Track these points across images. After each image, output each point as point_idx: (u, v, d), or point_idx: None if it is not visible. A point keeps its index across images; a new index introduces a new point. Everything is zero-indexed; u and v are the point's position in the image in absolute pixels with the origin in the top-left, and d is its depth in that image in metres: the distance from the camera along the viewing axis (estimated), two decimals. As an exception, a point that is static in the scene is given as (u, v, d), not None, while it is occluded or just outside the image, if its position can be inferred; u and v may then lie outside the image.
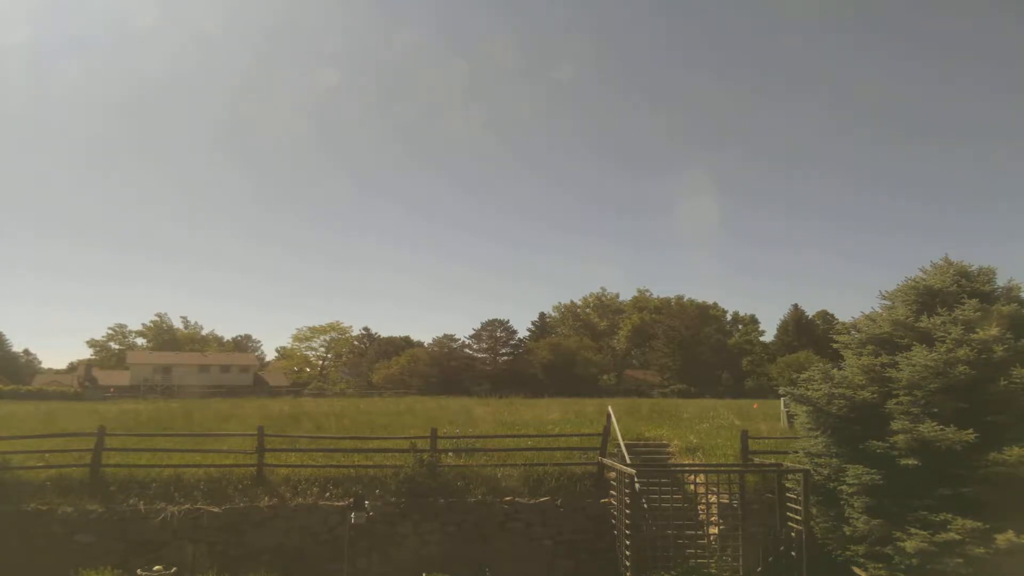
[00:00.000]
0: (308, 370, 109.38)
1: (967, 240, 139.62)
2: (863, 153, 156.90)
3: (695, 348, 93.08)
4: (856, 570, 12.66)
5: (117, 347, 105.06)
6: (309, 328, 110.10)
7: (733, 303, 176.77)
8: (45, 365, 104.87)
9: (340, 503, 15.04)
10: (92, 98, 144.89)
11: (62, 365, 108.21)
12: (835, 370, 14.37)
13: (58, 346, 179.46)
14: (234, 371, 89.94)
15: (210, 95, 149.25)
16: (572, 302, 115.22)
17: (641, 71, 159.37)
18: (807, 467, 13.59)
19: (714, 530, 15.02)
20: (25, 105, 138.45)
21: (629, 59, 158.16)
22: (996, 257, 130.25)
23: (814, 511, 13.40)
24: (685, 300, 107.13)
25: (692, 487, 15.92)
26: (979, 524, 10.98)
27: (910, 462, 11.89)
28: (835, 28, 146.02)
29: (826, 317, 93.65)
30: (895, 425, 12.40)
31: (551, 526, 15.69)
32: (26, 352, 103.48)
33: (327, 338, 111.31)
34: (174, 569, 13.19)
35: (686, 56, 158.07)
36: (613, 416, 17.99)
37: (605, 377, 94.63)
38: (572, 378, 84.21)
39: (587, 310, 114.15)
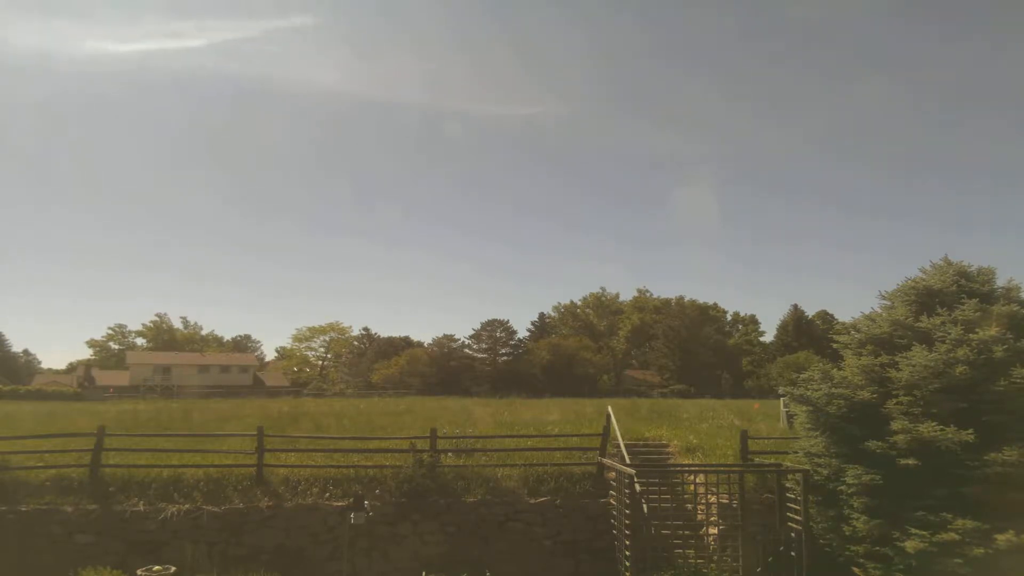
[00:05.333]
0: (308, 370, 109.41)
1: (970, 235, 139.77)
2: (865, 149, 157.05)
3: (695, 348, 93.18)
4: (856, 570, 12.66)
5: (117, 347, 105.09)
6: (309, 328, 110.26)
7: (733, 303, 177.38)
8: (44, 365, 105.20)
9: (340, 503, 15.04)
10: (92, 97, 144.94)
11: (61, 365, 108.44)
12: (835, 370, 14.38)
13: (58, 346, 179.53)
14: (234, 371, 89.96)
15: (211, 95, 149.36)
16: (572, 302, 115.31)
17: (639, 72, 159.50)
18: (807, 467, 13.59)
19: (714, 530, 15.02)
20: (24, 101, 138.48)
21: (627, 58, 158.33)
22: (1003, 251, 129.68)
23: (813, 511, 13.39)
24: (685, 300, 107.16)
25: (692, 487, 15.91)
26: (979, 524, 10.98)
27: (910, 462, 11.88)
28: (833, 22, 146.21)
29: (825, 317, 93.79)
30: (895, 425, 12.40)
31: (551, 526, 15.69)
32: (25, 352, 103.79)
33: (327, 338, 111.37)
34: (174, 569, 13.17)
35: (687, 56, 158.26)
36: (613, 416, 18.00)
37: (605, 377, 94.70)
38: (571, 378, 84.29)
39: (587, 310, 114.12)
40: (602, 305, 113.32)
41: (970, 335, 12.18)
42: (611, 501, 15.59)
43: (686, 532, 15.19)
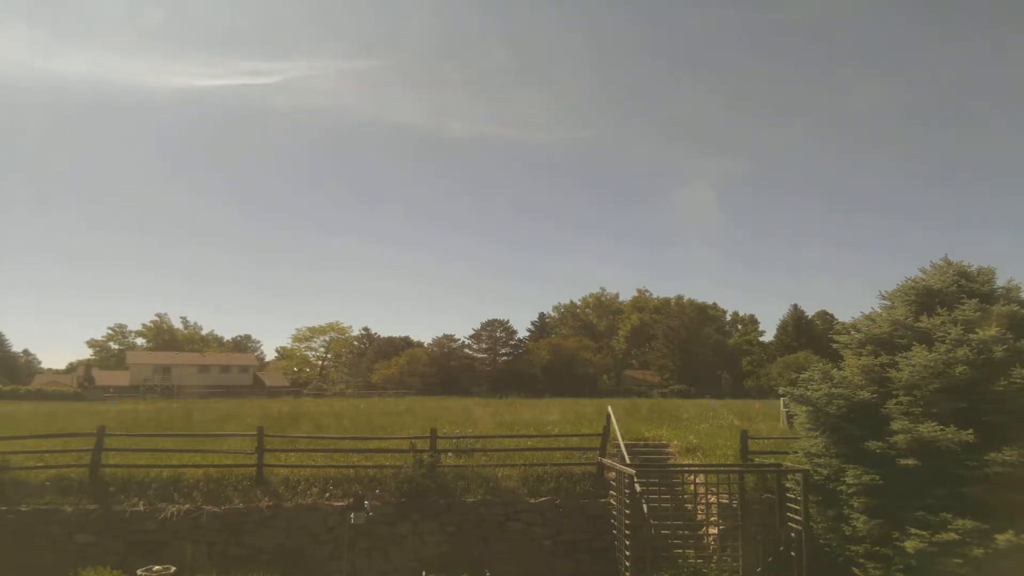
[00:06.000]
0: (308, 370, 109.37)
1: (970, 235, 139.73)
2: (865, 148, 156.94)
3: (695, 348, 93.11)
4: (856, 571, 12.65)
5: (117, 347, 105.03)
6: (309, 328, 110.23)
7: (733, 303, 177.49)
8: (44, 365, 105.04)
9: (340, 503, 15.03)
10: (94, 98, 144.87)
11: (61, 365, 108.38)
12: (835, 370, 14.36)
13: (58, 346, 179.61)
14: (234, 371, 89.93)
15: (211, 96, 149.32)
16: (572, 302, 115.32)
17: (639, 73, 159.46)
18: (807, 467, 13.58)
19: (713, 530, 15.01)
20: (25, 102, 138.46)
21: (626, 59, 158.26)
22: (1003, 250, 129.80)
23: (813, 511, 13.38)
24: (684, 300, 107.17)
25: (692, 487, 15.91)
26: (979, 524, 10.96)
27: (909, 462, 11.87)
28: (833, 22, 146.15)
29: (825, 317, 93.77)
30: (895, 425, 12.39)
31: (551, 526, 15.68)
32: (26, 352, 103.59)
33: (327, 338, 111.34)
34: (174, 569, 13.17)
35: (687, 56, 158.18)
36: (613, 416, 17.98)
37: (604, 377, 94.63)
38: (571, 378, 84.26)
39: (586, 310, 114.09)
40: (602, 305, 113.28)
41: (970, 335, 12.17)
42: (611, 501, 15.58)
43: (686, 532, 15.18)
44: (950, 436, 11.53)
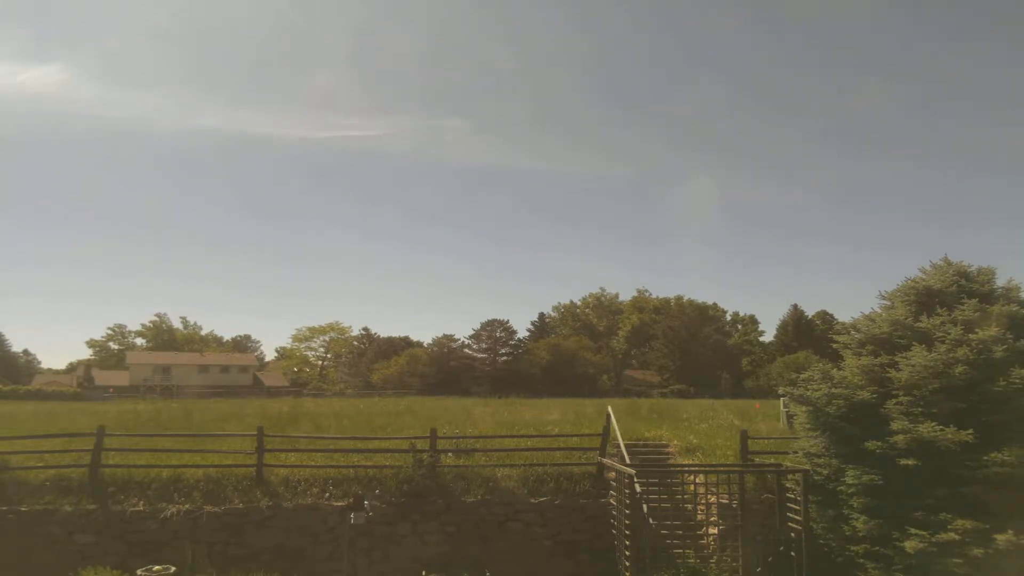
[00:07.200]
0: (307, 370, 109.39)
1: (972, 233, 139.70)
2: (866, 147, 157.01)
3: (694, 348, 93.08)
4: (856, 571, 12.66)
5: (116, 347, 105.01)
6: (308, 328, 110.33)
7: (733, 302, 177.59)
8: (44, 365, 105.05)
9: (340, 503, 15.03)
10: (92, 98, 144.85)
11: (61, 365, 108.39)
12: (834, 370, 14.37)
13: (57, 347, 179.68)
14: (233, 371, 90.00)
15: (211, 95, 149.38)
16: (571, 302, 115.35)
17: (639, 71, 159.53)
18: (806, 467, 13.59)
19: (713, 530, 15.02)
20: (24, 104, 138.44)
21: (625, 57, 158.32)
22: (1005, 249, 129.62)
23: (813, 511, 13.38)
24: (684, 300, 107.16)
25: (692, 487, 15.91)
26: (978, 524, 10.98)
27: (909, 462, 11.88)
28: (833, 19, 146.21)
29: (825, 317, 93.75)
30: (894, 425, 12.40)
31: (551, 526, 15.68)
32: (25, 352, 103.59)
33: (326, 338, 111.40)
34: (174, 569, 13.16)
35: (686, 55, 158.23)
36: (612, 416, 17.99)
37: (604, 377, 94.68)
38: (571, 378, 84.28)
39: (586, 311, 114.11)
40: (602, 305, 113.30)
41: (970, 335, 12.18)
42: (611, 501, 15.58)
43: (686, 532, 15.18)
44: (950, 436, 11.54)
